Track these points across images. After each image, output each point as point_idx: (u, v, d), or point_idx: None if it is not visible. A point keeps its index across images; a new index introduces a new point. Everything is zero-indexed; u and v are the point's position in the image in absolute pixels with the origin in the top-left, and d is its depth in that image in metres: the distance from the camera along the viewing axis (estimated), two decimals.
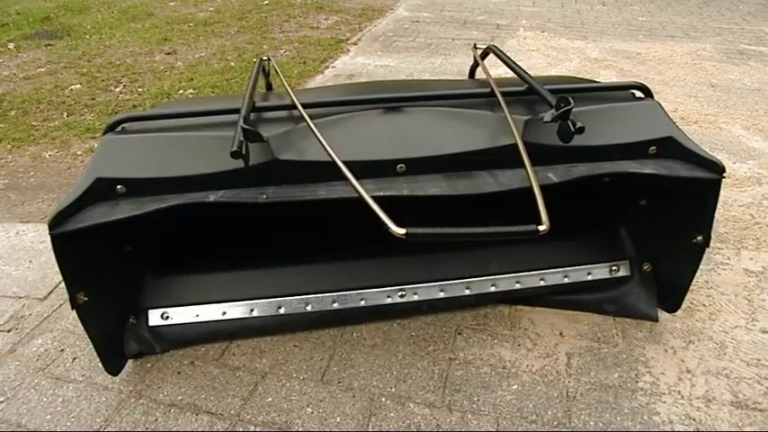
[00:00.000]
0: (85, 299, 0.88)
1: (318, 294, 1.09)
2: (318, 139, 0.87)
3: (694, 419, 0.95)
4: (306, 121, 0.92)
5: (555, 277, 1.14)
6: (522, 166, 0.86)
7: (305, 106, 0.98)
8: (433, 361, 1.07)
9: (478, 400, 0.98)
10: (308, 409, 0.96)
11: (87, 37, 3.33)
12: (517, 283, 1.13)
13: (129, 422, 0.95)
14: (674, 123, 1.03)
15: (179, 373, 1.04)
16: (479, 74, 1.57)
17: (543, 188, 0.81)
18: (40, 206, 1.63)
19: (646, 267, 1.15)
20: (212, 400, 0.98)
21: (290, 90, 1.09)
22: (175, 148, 0.96)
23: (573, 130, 0.89)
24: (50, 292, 1.26)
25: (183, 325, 1.07)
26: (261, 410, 0.96)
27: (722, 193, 1.71)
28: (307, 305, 1.09)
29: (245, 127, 0.87)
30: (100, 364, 0.98)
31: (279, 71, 1.36)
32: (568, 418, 0.95)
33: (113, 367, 0.99)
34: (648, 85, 1.13)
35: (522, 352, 1.09)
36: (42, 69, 2.76)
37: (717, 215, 1.57)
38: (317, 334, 1.13)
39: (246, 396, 0.99)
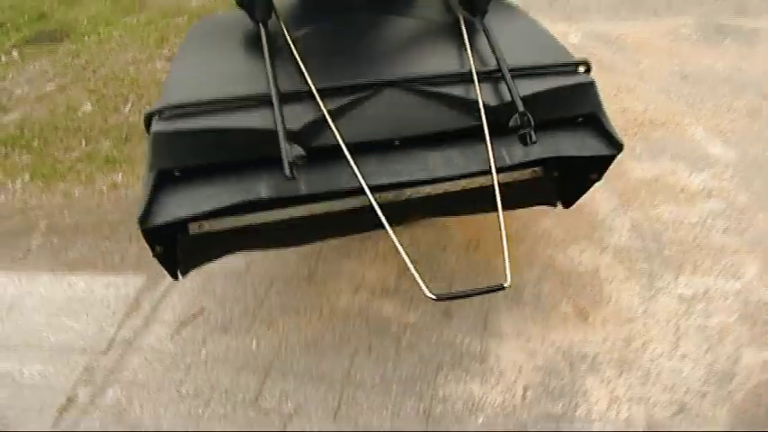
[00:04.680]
0: (161, 250, 1.12)
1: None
2: (349, 164, 1.00)
3: None
4: (334, 133, 1.03)
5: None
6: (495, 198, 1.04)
7: (322, 91, 1.08)
8: (419, 398, 1.37)
9: None
10: None
11: (86, 38, 3.43)
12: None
13: None
14: (600, 100, 1.23)
15: (225, 417, 1.35)
16: None
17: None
18: (80, 251, 1.89)
19: (555, 174, 1.43)
20: None
21: (310, 82, 1.11)
22: (218, 135, 1.05)
23: (529, 142, 1.09)
24: (109, 346, 1.54)
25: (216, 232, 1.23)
26: None
27: (674, 210, 1.98)
28: None
29: (291, 161, 0.95)
30: (163, 410, 1.29)
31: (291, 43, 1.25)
32: None
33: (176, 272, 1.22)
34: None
35: (488, 387, 1.39)
36: (52, 85, 2.92)
37: (664, 237, 1.83)
38: (330, 378, 1.43)
39: None
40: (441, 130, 1.14)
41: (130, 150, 2.36)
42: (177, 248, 1.18)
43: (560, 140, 1.19)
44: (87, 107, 2.70)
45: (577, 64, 1.24)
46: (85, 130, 2.53)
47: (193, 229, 1.21)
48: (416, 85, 1.14)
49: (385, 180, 1.07)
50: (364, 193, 1.00)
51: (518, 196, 1.41)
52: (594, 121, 1.23)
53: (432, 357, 1.47)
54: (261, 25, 1.26)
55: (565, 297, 1.58)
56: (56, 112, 2.68)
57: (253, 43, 1.27)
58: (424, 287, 0.84)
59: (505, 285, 0.92)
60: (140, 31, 3.48)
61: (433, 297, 0.86)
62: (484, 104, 1.11)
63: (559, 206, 1.48)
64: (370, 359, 1.48)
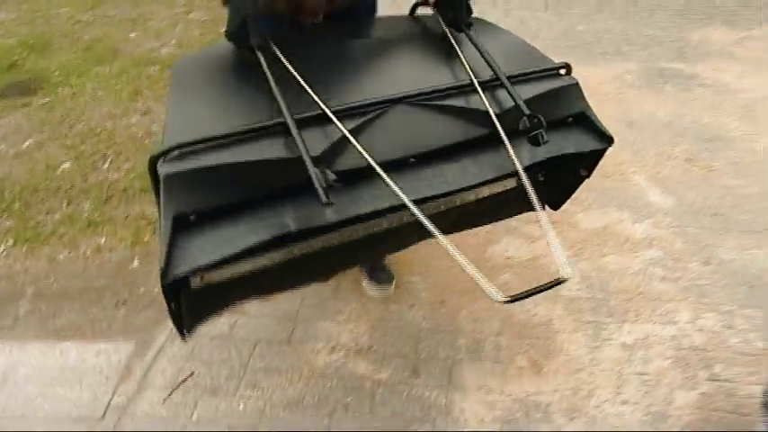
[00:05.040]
0: (174, 307, 1.08)
1: None
2: (385, 183, 0.96)
3: None
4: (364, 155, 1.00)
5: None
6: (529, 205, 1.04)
7: (336, 112, 1.06)
8: None
9: None
10: None
11: (59, 90, 3.51)
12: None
13: None
14: (585, 98, 1.32)
15: None
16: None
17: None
18: (68, 318, 1.98)
19: (540, 178, 1.51)
20: None
21: (323, 106, 1.08)
22: (234, 171, 0.99)
23: (542, 142, 1.15)
24: (105, 413, 1.65)
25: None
26: None
27: (618, 260, 2.18)
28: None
29: (325, 186, 0.92)
30: None
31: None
32: None
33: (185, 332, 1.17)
34: None
35: None
36: (29, 142, 2.99)
37: (611, 287, 2.03)
38: None
39: None
40: (453, 143, 1.15)
41: (111, 211, 2.46)
42: (181, 305, 1.11)
43: (559, 140, 1.23)
44: (66, 165, 2.79)
45: (559, 68, 1.30)
46: (65, 189, 2.62)
47: (195, 282, 1.13)
48: (423, 101, 1.16)
49: (411, 197, 1.02)
50: (394, 213, 1.05)
51: (508, 206, 1.45)
52: (584, 119, 1.29)
53: (403, 412, 1.62)
54: (259, 52, 1.20)
55: (521, 351, 1.76)
56: (35, 171, 2.76)
57: (247, 73, 1.23)
58: (492, 292, 0.82)
59: (567, 278, 0.89)
60: (113, 82, 3.59)
61: (503, 300, 0.83)
62: (493, 112, 1.15)
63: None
64: (347, 416, 1.62)
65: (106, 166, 2.78)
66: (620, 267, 2.11)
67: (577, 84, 1.30)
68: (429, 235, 1.52)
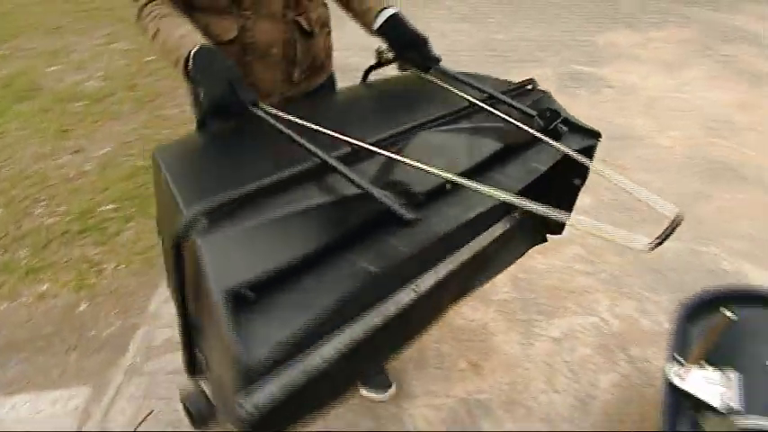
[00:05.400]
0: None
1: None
2: (469, 185, 0.90)
3: None
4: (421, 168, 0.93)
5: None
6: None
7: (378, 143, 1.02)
8: None
9: None
10: None
11: None
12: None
13: None
14: (560, 105, 1.36)
15: None
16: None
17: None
18: (17, 370, 1.97)
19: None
20: None
21: (353, 141, 1.01)
22: (285, 225, 0.87)
23: (562, 132, 1.16)
24: None
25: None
26: None
27: (544, 260, 2.37)
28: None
29: (402, 203, 0.85)
30: None
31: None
32: None
33: None
34: None
35: None
36: None
37: (538, 287, 2.21)
38: None
39: None
40: (479, 161, 1.13)
41: (51, 257, 2.44)
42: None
43: (559, 144, 1.19)
44: None
45: (527, 83, 1.38)
46: None
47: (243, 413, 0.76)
48: (437, 126, 1.16)
49: (472, 214, 0.96)
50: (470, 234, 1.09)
51: (514, 247, 1.48)
52: (568, 124, 1.29)
53: (357, 422, 1.74)
54: (254, 107, 1.09)
55: (461, 355, 1.92)
56: None
57: (240, 137, 1.14)
58: (632, 244, 0.81)
59: (681, 216, 0.85)
60: (38, 120, 3.51)
61: (648, 248, 0.80)
62: (507, 120, 1.17)
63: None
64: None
65: (40, 210, 2.74)
66: (547, 267, 2.31)
67: (550, 93, 1.39)
68: (499, 265, 1.48)
